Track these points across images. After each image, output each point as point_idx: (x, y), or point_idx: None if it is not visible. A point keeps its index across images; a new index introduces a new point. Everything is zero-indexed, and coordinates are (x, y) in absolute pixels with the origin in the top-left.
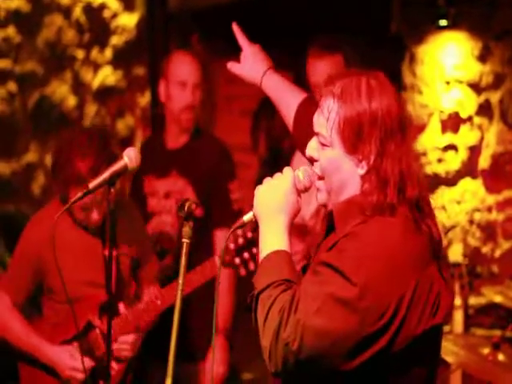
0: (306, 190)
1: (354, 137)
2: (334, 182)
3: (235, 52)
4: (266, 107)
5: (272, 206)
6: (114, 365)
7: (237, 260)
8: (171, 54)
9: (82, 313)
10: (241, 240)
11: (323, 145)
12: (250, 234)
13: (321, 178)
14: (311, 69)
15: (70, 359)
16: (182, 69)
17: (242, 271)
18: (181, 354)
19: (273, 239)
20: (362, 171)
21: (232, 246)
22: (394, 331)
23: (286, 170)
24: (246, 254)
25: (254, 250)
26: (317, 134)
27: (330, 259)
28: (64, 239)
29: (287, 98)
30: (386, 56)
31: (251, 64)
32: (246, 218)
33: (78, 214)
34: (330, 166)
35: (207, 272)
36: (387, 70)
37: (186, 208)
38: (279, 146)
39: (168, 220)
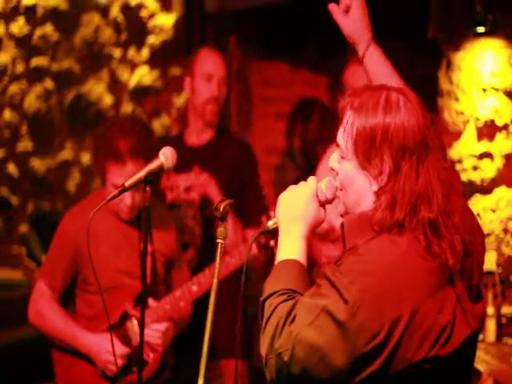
0: (328, 201)
1: (367, 150)
2: (349, 195)
3: (271, 55)
4: (302, 111)
5: (291, 213)
6: (150, 354)
7: (272, 242)
8: (199, 50)
9: (118, 302)
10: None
11: (342, 157)
12: None
13: (340, 189)
14: (349, 75)
15: (106, 347)
16: (209, 63)
17: (267, 223)
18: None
19: (288, 247)
20: (375, 187)
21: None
22: (387, 355)
23: (310, 179)
24: None
25: None
26: (337, 146)
27: (329, 272)
28: (103, 229)
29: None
30: (423, 61)
31: (358, 24)
32: (271, 223)
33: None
34: (346, 179)
35: (243, 253)
36: (423, 76)
37: (221, 209)
38: (314, 150)
39: (189, 213)
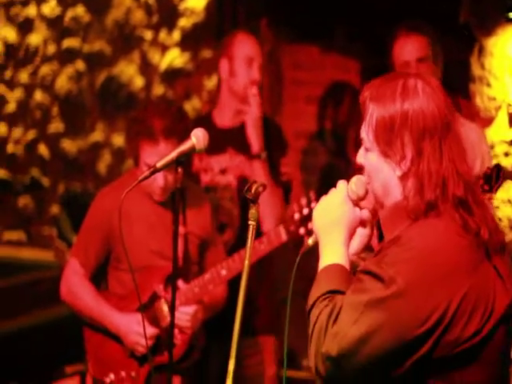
0: (361, 199)
1: (387, 137)
2: (377, 187)
3: (302, 38)
4: (333, 94)
5: (327, 221)
6: (179, 335)
7: (301, 230)
8: (235, 33)
9: (148, 283)
10: (306, 210)
11: (366, 149)
12: (314, 204)
13: (368, 183)
14: (398, 49)
15: (136, 327)
16: (248, 46)
17: (307, 241)
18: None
19: (328, 253)
20: (399, 173)
21: (297, 216)
22: (435, 339)
23: (340, 183)
24: (310, 224)
25: None
26: (361, 140)
27: (371, 266)
28: (136, 210)
29: None
30: (455, 47)
31: None
32: (310, 241)
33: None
34: (372, 170)
35: (272, 241)
36: (455, 61)
37: (253, 190)
38: (344, 134)
39: (226, 195)
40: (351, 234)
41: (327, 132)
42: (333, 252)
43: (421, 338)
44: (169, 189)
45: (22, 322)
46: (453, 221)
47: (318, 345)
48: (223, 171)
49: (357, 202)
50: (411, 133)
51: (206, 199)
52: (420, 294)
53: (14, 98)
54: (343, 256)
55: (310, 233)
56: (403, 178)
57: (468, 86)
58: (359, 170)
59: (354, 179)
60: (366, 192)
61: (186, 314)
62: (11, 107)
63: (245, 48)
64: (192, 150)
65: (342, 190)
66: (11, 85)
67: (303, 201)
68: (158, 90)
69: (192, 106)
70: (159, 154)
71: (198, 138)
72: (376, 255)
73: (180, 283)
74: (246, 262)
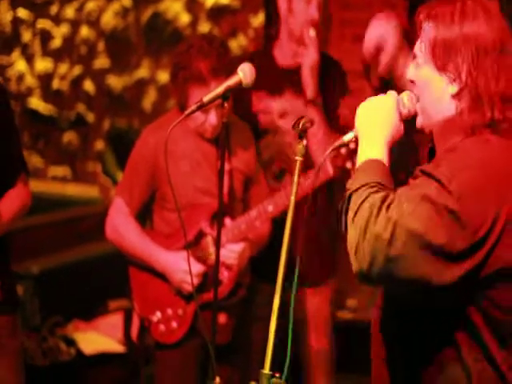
0: (410, 114)
1: (445, 54)
2: (426, 102)
3: None
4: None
5: (374, 121)
6: (225, 272)
7: (348, 164)
8: None
9: (194, 220)
10: (352, 145)
11: (418, 65)
12: None
13: (417, 100)
14: None
15: (182, 265)
16: None
17: (343, 137)
18: (288, 278)
19: (371, 150)
20: (454, 90)
21: (343, 150)
22: (486, 251)
23: (390, 92)
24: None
25: None
26: (414, 57)
27: (427, 168)
28: (182, 147)
29: None
30: None
31: None
32: (347, 137)
33: (194, 122)
34: (423, 85)
35: (319, 176)
36: None
37: (300, 125)
38: (391, 73)
39: (286, 140)
40: (391, 144)
41: (373, 71)
42: (377, 149)
43: (470, 248)
44: (219, 126)
45: (66, 257)
46: (509, 139)
47: (367, 222)
48: (282, 114)
49: (403, 117)
50: (469, 51)
51: (251, 135)
52: (473, 201)
53: (59, 33)
54: (386, 156)
55: None
56: (458, 94)
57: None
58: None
59: (406, 93)
60: (415, 110)
61: (232, 252)
62: (57, 43)
63: None
64: (239, 85)
65: (392, 98)
66: (57, 20)
67: (350, 135)
68: (204, 27)
69: (238, 43)
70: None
71: (244, 72)
72: (430, 163)
73: (226, 220)
74: (292, 198)
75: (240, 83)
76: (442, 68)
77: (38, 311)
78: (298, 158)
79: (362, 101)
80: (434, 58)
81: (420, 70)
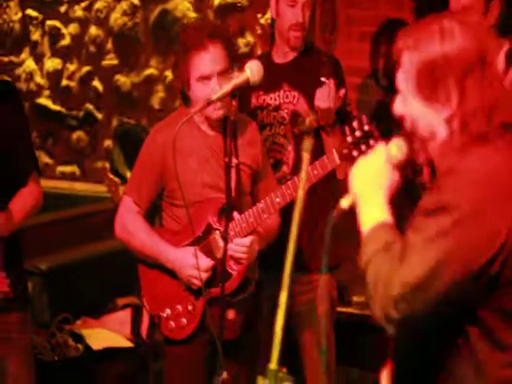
0: (401, 163)
1: (429, 82)
2: (422, 132)
3: None
4: (386, 31)
5: (369, 182)
6: (234, 266)
7: (355, 152)
8: None
9: (202, 215)
10: (358, 133)
11: (405, 98)
12: (367, 127)
13: (412, 133)
14: None
15: (191, 261)
16: None
17: (341, 204)
18: (294, 263)
19: (374, 212)
20: (445, 115)
21: (349, 139)
22: (501, 261)
23: (378, 146)
24: (363, 147)
25: (371, 142)
26: (399, 91)
27: (427, 205)
28: (189, 144)
29: None
30: None
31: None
32: (344, 202)
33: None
34: (415, 118)
35: (325, 165)
36: None
37: (307, 122)
38: (398, 71)
39: (280, 131)
40: (390, 196)
41: (380, 69)
42: (379, 211)
43: (487, 263)
44: (225, 106)
45: (74, 254)
46: (505, 146)
47: (386, 291)
48: (277, 107)
49: (395, 166)
50: (454, 73)
51: (257, 131)
52: (483, 217)
53: (68, 32)
54: (389, 215)
55: (363, 154)
56: (449, 119)
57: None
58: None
59: (394, 143)
60: (406, 158)
61: (241, 246)
62: (66, 42)
63: None
64: (246, 83)
65: (381, 154)
66: (66, 20)
67: (355, 123)
68: None
69: (245, 41)
70: (210, 59)
71: (252, 70)
72: (431, 190)
73: (234, 214)
74: (300, 192)
75: (248, 81)
76: (429, 98)
77: (46, 308)
78: (306, 155)
79: (369, 98)
80: (420, 90)
81: (408, 105)
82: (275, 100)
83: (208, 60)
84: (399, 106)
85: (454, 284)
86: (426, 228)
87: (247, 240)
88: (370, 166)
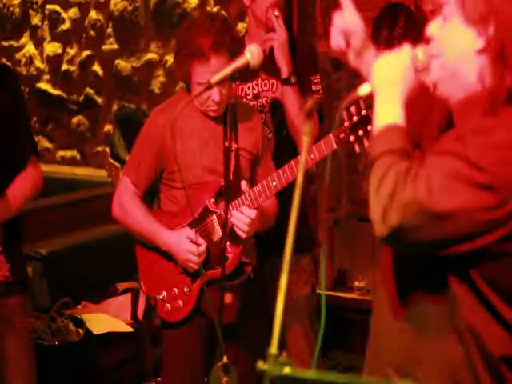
0: (424, 69)
1: (475, 3)
2: (449, 61)
3: None
4: (387, 15)
5: (391, 77)
6: (230, 248)
7: (351, 137)
8: None
9: (200, 198)
10: (355, 118)
11: (444, 18)
12: (364, 112)
13: (436, 56)
14: None
15: (186, 243)
16: None
17: (357, 148)
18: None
19: (389, 110)
20: (479, 45)
21: (346, 123)
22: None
23: (405, 47)
24: (360, 132)
25: (369, 128)
26: (440, 8)
27: (453, 148)
28: (189, 127)
29: None
30: None
31: None
32: (362, 90)
33: (199, 100)
34: (448, 42)
35: (322, 149)
36: None
37: (307, 106)
38: None
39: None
40: (405, 100)
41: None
42: (394, 109)
43: (500, 220)
44: (223, 103)
45: (74, 239)
46: None
47: (393, 190)
48: (256, 96)
49: (418, 71)
50: (499, 3)
51: (257, 116)
52: (506, 175)
53: (68, 17)
54: (402, 116)
55: (360, 139)
56: (482, 51)
57: None
58: None
59: (421, 48)
60: (428, 65)
61: (247, 216)
62: (66, 26)
63: None
64: (246, 66)
65: (407, 53)
66: (66, 4)
67: (353, 108)
68: (212, 9)
69: (245, 26)
70: (211, 71)
71: (252, 53)
72: (449, 135)
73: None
74: (300, 178)
75: (247, 64)
76: (471, 18)
77: (46, 292)
78: (305, 138)
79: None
80: (463, 7)
81: (446, 23)
82: (253, 89)
83: (210, 72)
84: (435, 27)
85: (464, 215)
86: (450, 163)
87: (253, 212)
88: (395, 63)
